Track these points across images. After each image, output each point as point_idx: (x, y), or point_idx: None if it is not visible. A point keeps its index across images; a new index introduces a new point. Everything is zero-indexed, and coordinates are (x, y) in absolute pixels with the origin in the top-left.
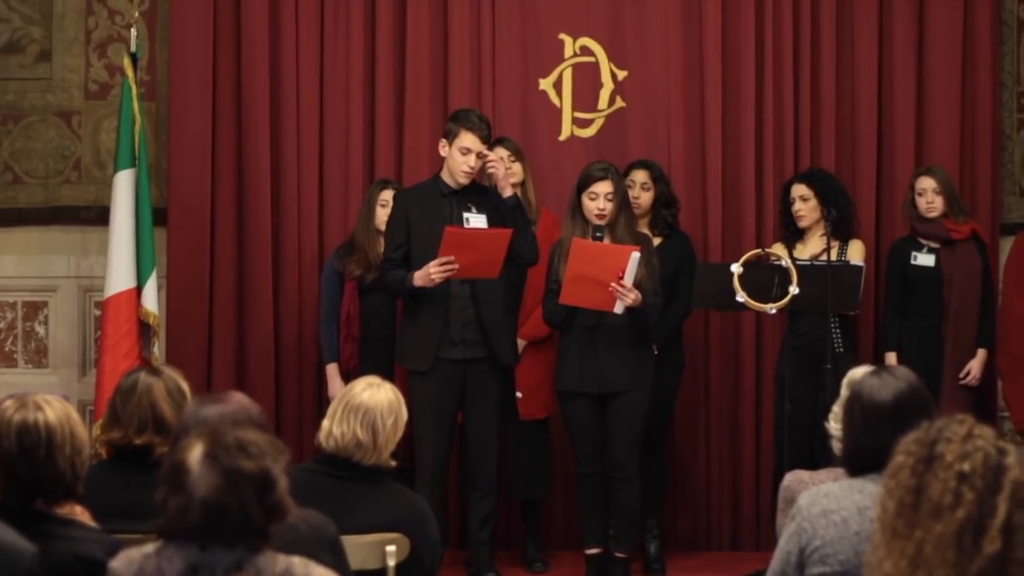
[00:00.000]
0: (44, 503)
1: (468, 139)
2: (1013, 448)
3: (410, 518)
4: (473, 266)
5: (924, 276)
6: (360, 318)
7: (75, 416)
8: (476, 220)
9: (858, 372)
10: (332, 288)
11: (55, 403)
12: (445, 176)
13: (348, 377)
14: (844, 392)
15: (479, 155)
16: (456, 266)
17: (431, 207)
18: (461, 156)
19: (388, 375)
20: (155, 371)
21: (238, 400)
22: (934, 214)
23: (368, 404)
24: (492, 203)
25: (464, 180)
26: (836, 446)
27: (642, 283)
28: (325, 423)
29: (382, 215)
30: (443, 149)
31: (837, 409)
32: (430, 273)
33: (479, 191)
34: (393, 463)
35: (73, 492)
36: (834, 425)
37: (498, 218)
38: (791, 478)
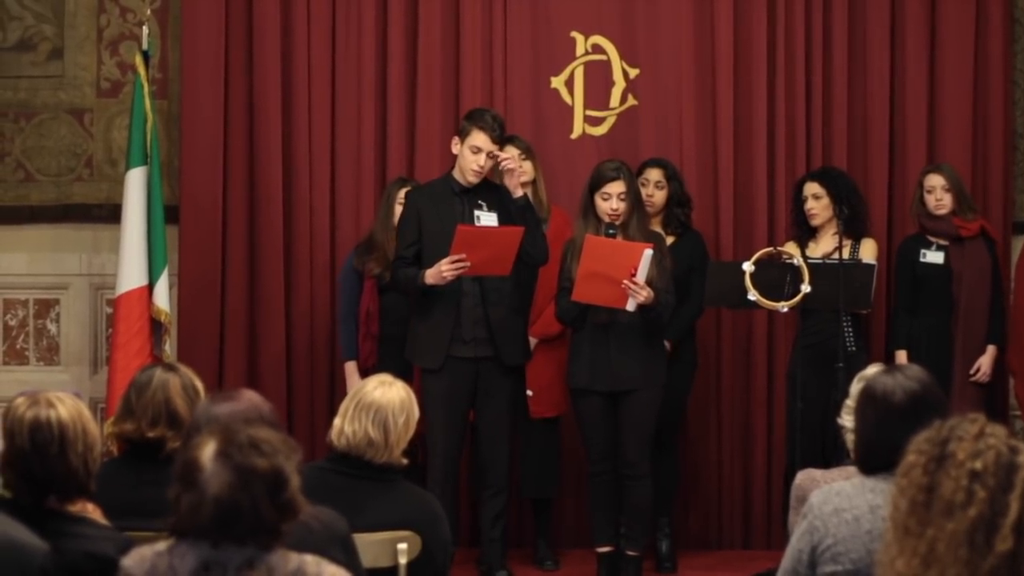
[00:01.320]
0: (56, 500)
1: (479, 138)
2: None
3: (422, 517)
4: (485, 263)
5: (933, 273)
6: (379, 316)
7: (87, 413)
8: (487, 218)
9: (870, 371)
10: (351, 286)
11: (67, 400)
12: (457, 174)
13: (366, 375)
14: (854, 387)
15: (490, 155)
16: (468, 264)
17: (443, 205)
18: (471, 155)
19: (406, 373)
20: (171, 367)
21: (250, 398)
22: (943, 211)
23: (380, 402)
24: (503, 201)
25: (473, 179)
26: (850, 438)
27: (654, 282)
28: (337, 421)
29: (401, 213)
30: (455, 147)
31: (850, 403)
32: (442, 271)
33: (491, 189)
34: (404, 461)
35: (85, 489)
36: (847, 418)
37: (509, 216)
38: (803, 477)
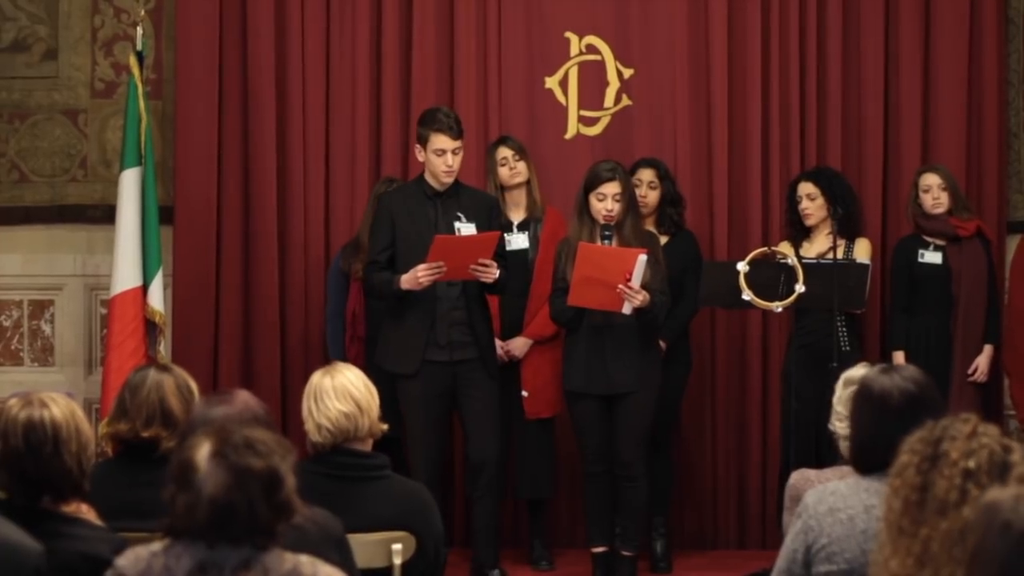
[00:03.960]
0: (51, 501)
1: (439, 140)
2: (1018, 446)
3: (413, 508)
4: (460, 269)
5: (932, 274)
6: (365, 318)
7: (80, 413)
8: (467, 229)
9: (857, 371)
10: (338, 288)
11: (60, 400)
12: (429, 178)
13: None
14: (840, 391)
15: (455, 151)
16: (444, 270)
17: (416, 209)
18: (437, 158)
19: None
20: (165, 368)
21: (244, 400)
22: (940, 210)
23: (333, 384)
24: (479, 206)
25: (447, 179)
26: (844, 446)
27: (649, 283)
28: (308, 426)
29: None
30: (419, 155)
31: (840, 409)
32: (418, 277)
33: (463, 193)
34: (385, 426)
35: (79, 489)
36: (839, 425)
37: (487, 225)
38: (797, 477)
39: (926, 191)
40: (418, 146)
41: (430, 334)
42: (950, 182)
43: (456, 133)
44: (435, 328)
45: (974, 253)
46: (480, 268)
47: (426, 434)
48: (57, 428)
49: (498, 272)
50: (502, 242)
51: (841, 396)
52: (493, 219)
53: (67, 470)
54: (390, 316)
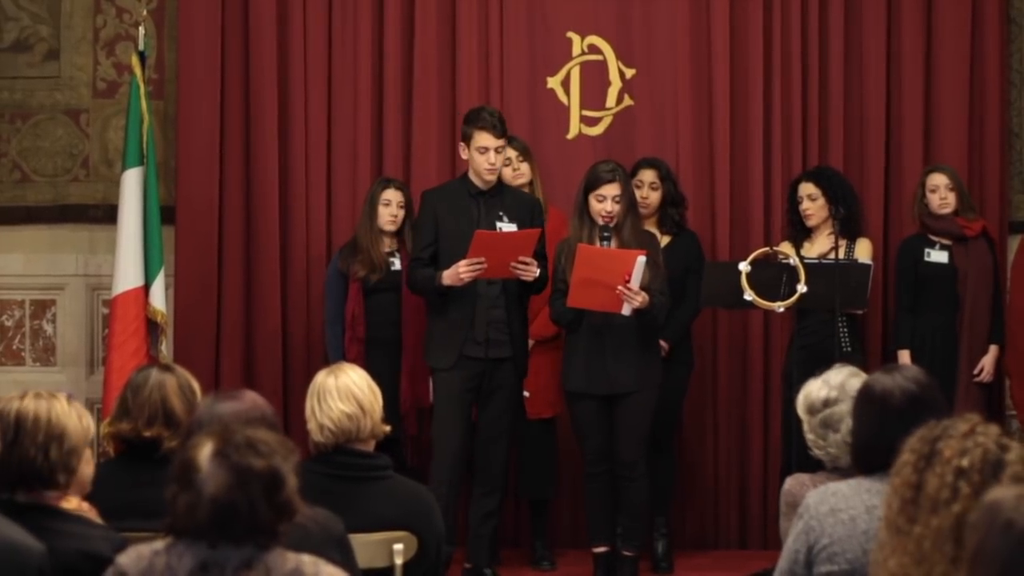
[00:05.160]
0: (24, 494)
1: (483, 138)
2: (1017, 445)
3: (415, 509)
4: (501, 266)
5: (938, 273)
6: (365, 319)
7: (62, 407)
8: (508, 229)
9: (817, 393)
10: (336, 289)
11: (44, 395)
12: (472, 177)
13: None
14: (804, 416)
15: (498, 149)
16: (485, 266)
17: (459, 207)
18: (480, 156)
19: (394, 375)
20: (167, 367)
21: (252, 398)
22: (947, 210)
23: (336, 384)
24: (520, 206)
25: (491, 178)
26: (824, 458)
27: (649, 284)
28: (311, 425)
29: (385, 214)
30: (463, 152)
31: (812, 436)
32: (459, 272)
33: (505, 193)
34: (387, 428)
35: (51, 482)
36: (818, 452)
37: (529, 225)
38: (792, 482)
39: (933, 191)
40: (462, 144)
41: (469, 331)
42: (957, 182)
43: (499, 132)
44: (474, 325)
45: (980, 253)
46: (520, 266)
47: (457, 428)
48: (21, 420)
49: (538, 271)
50: (542, 241)
51: (810, 423)
52: (535, 219)
53: (28, 459)
54: (434, 312)
